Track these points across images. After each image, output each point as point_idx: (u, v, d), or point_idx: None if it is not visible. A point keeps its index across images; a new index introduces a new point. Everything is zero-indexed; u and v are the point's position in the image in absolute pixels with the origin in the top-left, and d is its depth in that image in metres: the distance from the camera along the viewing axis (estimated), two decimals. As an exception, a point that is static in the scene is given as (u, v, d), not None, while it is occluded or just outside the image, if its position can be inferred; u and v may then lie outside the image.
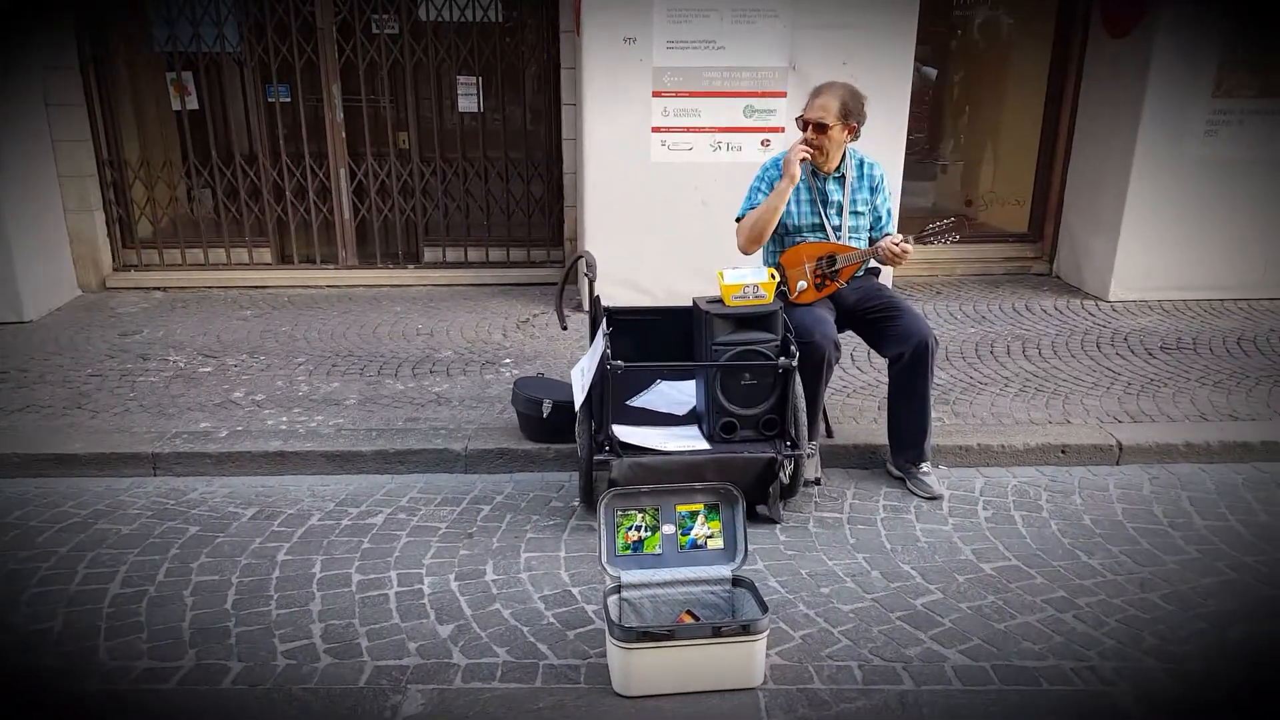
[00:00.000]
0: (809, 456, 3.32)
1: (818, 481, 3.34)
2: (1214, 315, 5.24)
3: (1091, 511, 3.18)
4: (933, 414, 3.41)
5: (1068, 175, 5.95)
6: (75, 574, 2.75)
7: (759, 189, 3.38)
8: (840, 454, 3.57)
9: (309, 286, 5.91)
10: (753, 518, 3.09)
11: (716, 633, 2.10)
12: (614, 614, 2.24)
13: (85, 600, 2.62)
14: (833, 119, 3.18)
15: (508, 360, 4.54)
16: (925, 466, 3.34)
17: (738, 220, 3.42)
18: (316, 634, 2.43)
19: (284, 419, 3.79)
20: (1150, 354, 4.59)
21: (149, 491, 3.33)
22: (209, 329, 5.00)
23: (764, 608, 2.19)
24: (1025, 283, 5.96)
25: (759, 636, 2.13)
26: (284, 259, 6.11)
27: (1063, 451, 3.59)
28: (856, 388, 4.16)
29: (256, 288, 5.87)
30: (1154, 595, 2.66)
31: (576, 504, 3.20)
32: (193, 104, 5.86)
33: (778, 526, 3.06)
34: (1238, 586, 2.72)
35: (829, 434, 3.62)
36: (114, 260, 5.96)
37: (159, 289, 5.83)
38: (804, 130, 3.23)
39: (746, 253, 3.42)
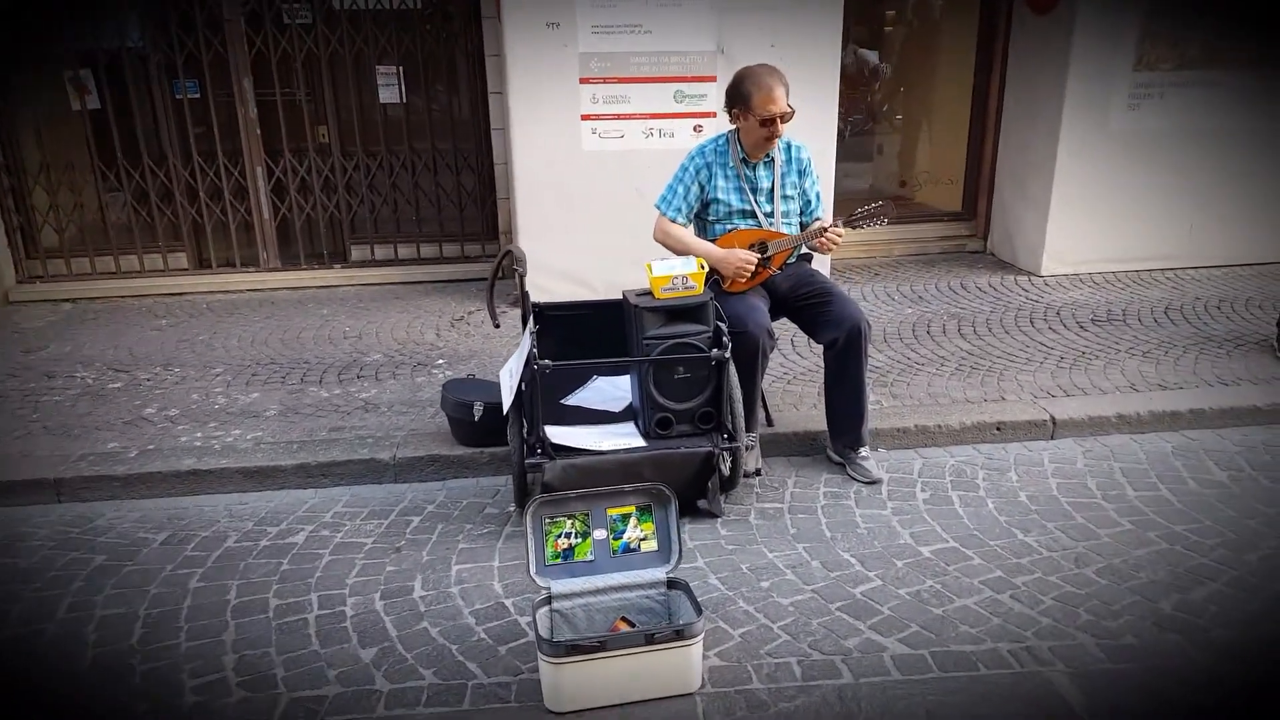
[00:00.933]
0: (749, 448, 3.27)
1: (758, 473, 3.29)
2: (1142, 286, 5.35)
3: (1027, 488, 3.19)
4: (869, 398, 3.38)
5: (998, 153, 6.01)
6: (-37, 617, 2.56)
7: (683, 181, 3.29)
8: (781, 442, 3.53)
9: (229, 292, 5.66)
10: (693, 513, 3.02)
11: (649, 640, 2.02)
12: (544, 627, 2.15)
13: (-26, 645, 2.43)
14: (788, 106, 3.11)
15: (440, 361, 4.39)
16: (864, 451, 3.31)
17: (659, 210, 3.33)
18: (229, 666, 2.28)
19: (199, 435, 3.60)
20: (1081, 327, 4.65)
21: (52, 520, 3.12)
22: (120, 342, 4.75)
23: (698, 610, 2.12)
24: (960, 261, 6.00)
25: (693, 641, 2.06)
26: (201, 263, 5.85)
27: (998, 429, 3.60)
28: (796, 374, 4.13)
29: (173, 294, 5.60)
30: (1089, 570, 2.66)
31: (512, 510, 3.10)
32: (94, 103, 5.55)
33: (719, 521, 3.00)
34: (1170, 556, 2.74)
35: (769, 422, 3.57)
36: (17, 272, 5.62)
37: (67, 300, 5.52)
38: (766, 126, 3.09)
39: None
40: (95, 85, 5.49)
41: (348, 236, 5.93)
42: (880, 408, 3.69)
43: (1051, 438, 3.60)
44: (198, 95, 5.61)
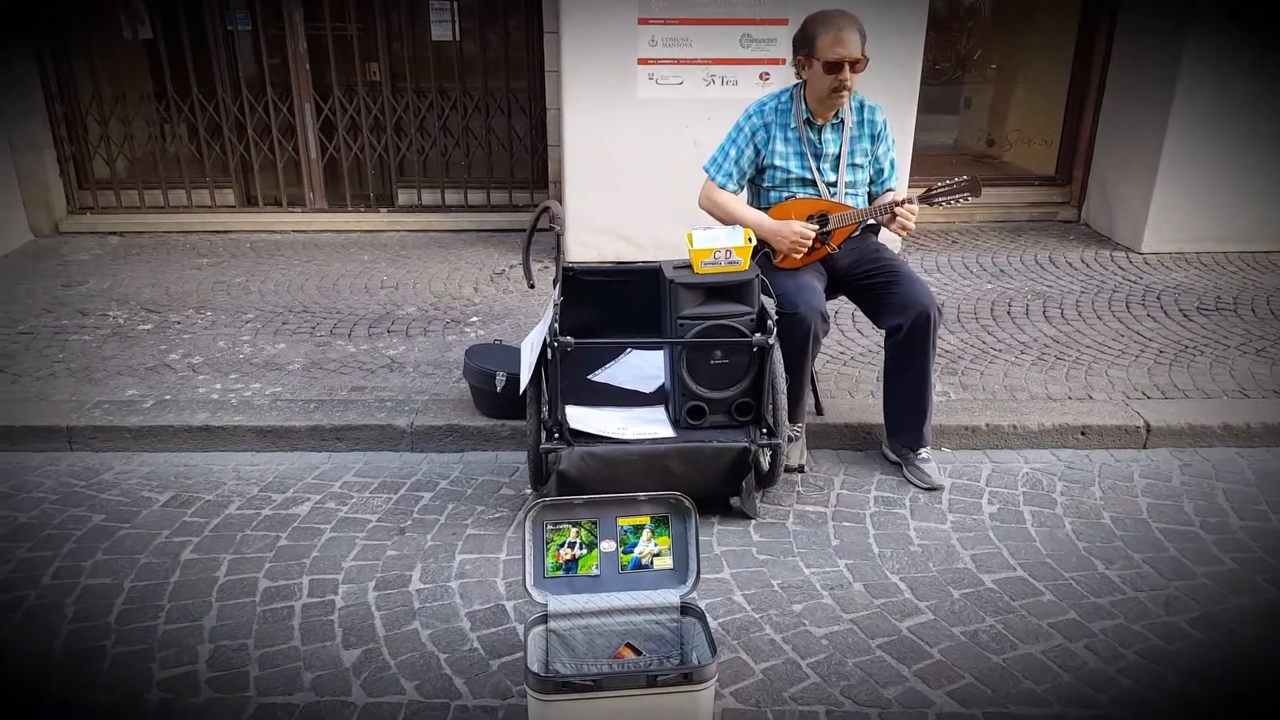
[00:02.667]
0: (793, 439, 2.95)
1: (801, 469, 2.97)
2: (1258, 270, 4.74)
3: (1112, 507, 2.80)
4: (935, 391, 3.01)
5: (1100, 113, 5.37)
6: (-53, 577, 2.45)
7: (735, 142, 2.92)
8: (831, 434, 3.19)
9: (273, 231, 5.51)
10: (724, 511, 2.73)
11: (652, 682, 1.76)
12: (537, 650, 1.90)
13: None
14: (862, 54, 2.71)
15: (475, 319, 4.16)
16: (924, 452, 2.95)
17: (707, 173, 2.97)
18: (202, 658, 2.11)
19: (218, 386, 3.45)
20: (1186, 316, 4.12)
21: (60, 470, 3.02)
22: (159, 280, 4.64)
23: (713, 648, 1.84)
24: (1050, 231, 5.45)
25: (703, 686, 1.78)
26: (249, 201, 5.71)
27: (1082, 433, 3.19)
28: (855, 355, 3.75)
29: (218, 232, 5.48)
30: (1181, 619, 2.28)
31: (528, 492, 2.86)
32: (146, 33, 5.39)
33: (752, 524, 2.70)
34: (1280, 607, 2.34)
35: (818, 411, 3.23)
36: (69, 202, 5.58)
37: (115, 234, 5.45)
38: (833, 73, 2.69)
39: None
40: (148, 14, 5.33)
41: (395, 179, 5.70)
42: (947, 400, 3.31)
43: (1144, 447, 3.17)
44: (249, 27, 5.40)
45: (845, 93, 2.74)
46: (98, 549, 2.56)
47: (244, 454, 3.13)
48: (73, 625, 2.24)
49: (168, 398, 3.35)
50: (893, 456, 3.04)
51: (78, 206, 5.60)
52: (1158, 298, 4.35)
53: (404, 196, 5.72)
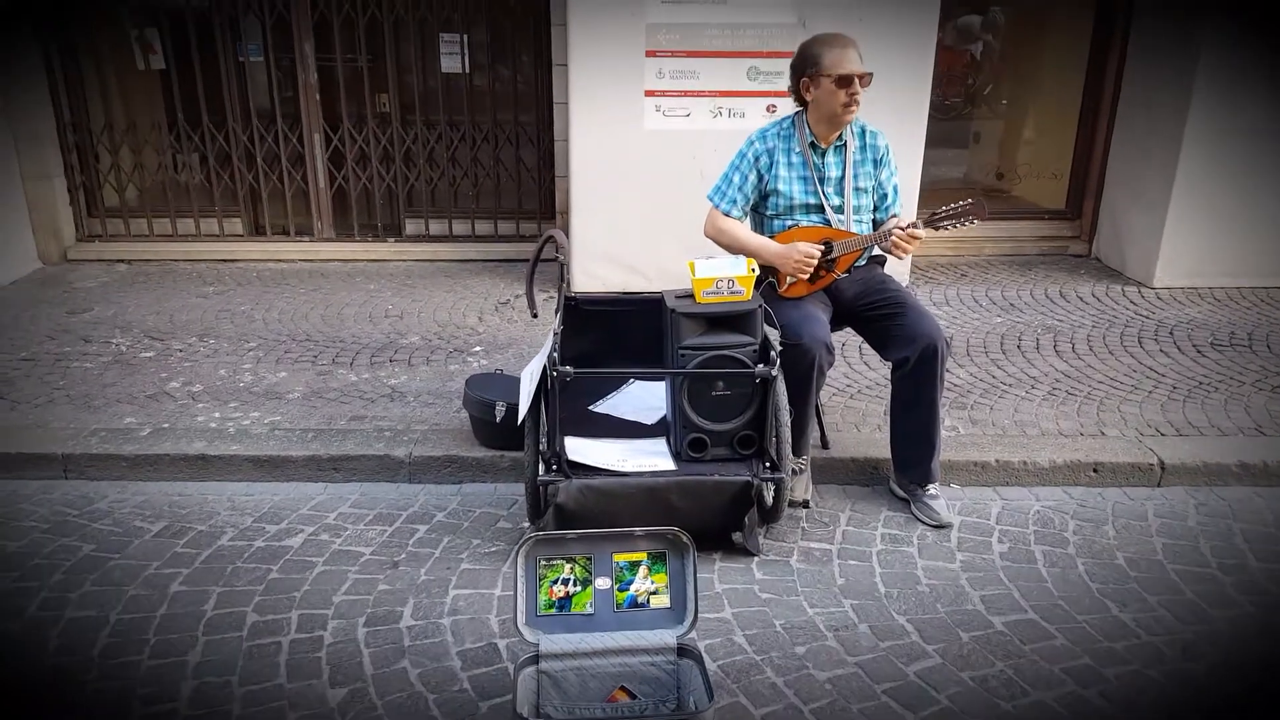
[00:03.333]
0: (797, 473, 2.88)
1: (806, 504, 2.90)
2: (1273, 305, 4.67)
3: (1126, 548, 2.71)
4: (943, 426, 2.95)
5: (1111, 146, 5.35)
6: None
7: (739, 168, 2.90)
8: (837, 468, 3.12)
9: (281, 260, 5.52)
10: (726, 548, 2.66)
11: (645, 728, 1.69)
12: (527, 693, 1.83)
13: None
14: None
15: (478, 348, 4.12)
16: (932, 489, 2.87)
17: (711, 201, 2.95)
18: (185, 696, 2.05)
19: (216, 414, 3.41)
20: (1199, 351, 4.05)
21: (54, 499, 2.98)
22: (164, 307, 4.64)
23: (710, 693, 1.77)
24: (1061, 265, 5.39)
25: (700, 732, 1.71)
26: (257, 230, 5.73)
27: (1095, 470, 3.11)
28: (861, 388, 3.69)
29: (226, 260, 5.49)
30: (1198, 667, 2.19)
31: (525, 525, 2.79)
32: (159, 63, 5.46)
33: (754, 560, 2.63)
34: (1303, 652, 2.24)
35: (824, 445, 3.17)
36: (78, 230, 5.61)
37: (123, 261, 5.47)
38: (844, 87, 2.68)
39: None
40: (160, 45, 5.40)
41: (403, 209, 5.72)
42: (956, 435, 3.24)
43: (1158, 485, 3.08)
44: (260, 58, 5.46)
45: (855, 109, 2.72)
46: (86, 580, 2.51)
47: (239, 484, 3.09)
48: (55, 659, 2.18)
49: (165, 426, 3.32)
50: (900, 493, 2.97)
51: (86, 234, 5.63)
52: (1170, 333, 4.29)
53: (411, 226, 5.73)
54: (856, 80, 2.68)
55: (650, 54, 4.50)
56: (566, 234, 4.53)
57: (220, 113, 5.44)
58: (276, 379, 3.76)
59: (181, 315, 4.53)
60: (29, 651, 2.21)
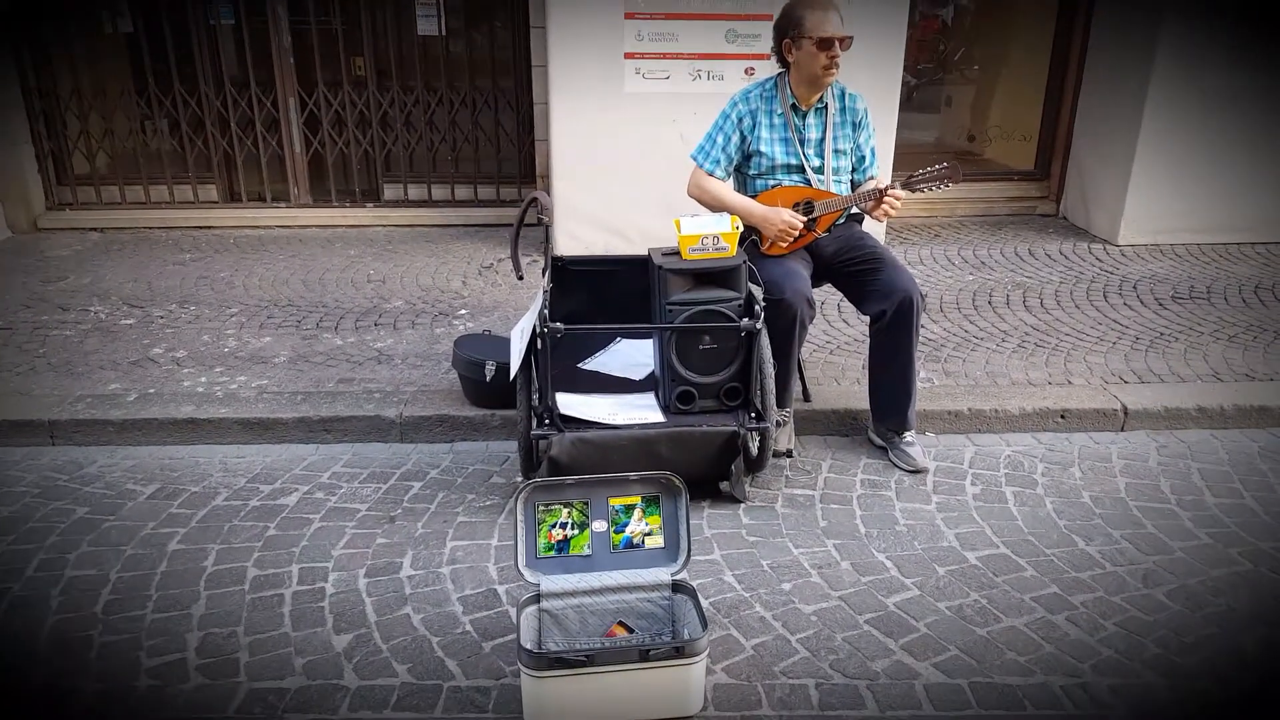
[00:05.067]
0: (780, 425, 2.98)
1: (789, 454, 3.00)
2: (1231, 261, 4.83)
3: (1091, 487, 2.85)
4: (919, 376, 3.06)
5: (1077, 109, 5.46)
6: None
7: (722, 129, 2.95)
8: (818, 420, 3.22)
9: (258, 227, 5.49)
10: (714, 496, 2.76)
11: (644, 656, 1.78)
12: (530, 630, 1.92)
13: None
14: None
15: (463, 311, 4.16)
16: (909, 436, 2.99)
17: (695, 160, 3.00)
18: (191, 646, 2.11)
19: (202, 379, 3.43)
20: (1160, 305, 4.20)
21: (42, 465, 2.99)
22: (141, 275, 4.61)
23: (704, 623, 1.87)
24: (1030, 224, 5.53)
25: (695, 660, 1.81)
26: (232, 196, 5.68)
27: (1062, 416, 3.24)
28: (840, 344, 3.79)
29: (201, 228, 5.45)
30: (1158, 591, 2.34)
31: (519, 480, 2.87)
32: (126, 26, 5.35)
33: (741, 507, 2.73)
34: (1253, 579, 2.39)
35: (806, 397, 3.26)
36: (47, 198, 5.52)
37: (96, 230, 5.41)
38: (825, 50, 2.73)
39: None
40: (128, 7, 5.29)
41: (381, 174, 5.69)
42: (930, 386, 3.36)
43: (1122, 429, 3.23)
44: (232, 21, 5.38)
45: (835, 71, 2.78)
46: (82, 541, 2.54)
47: (230, 446, 3.12)
48: (58, 616, 2.23)
49: (151, 391, 3.34)
50: (878, 441, 3.08)
51: (57, 203, 5.55)
52: (1134, 287, 4.43)
53: (390, 192, 5.71)
54: (837, 43, 2.74)
55: (629, 16, 4.49)
56: (548, 196, 4.55)
57: (192, 77, 5.36)
58: (261, 344, 3.77)
59: (160, 282, 4.51)
60: (33, 610, 2.25)
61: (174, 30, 5.26)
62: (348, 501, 2.76)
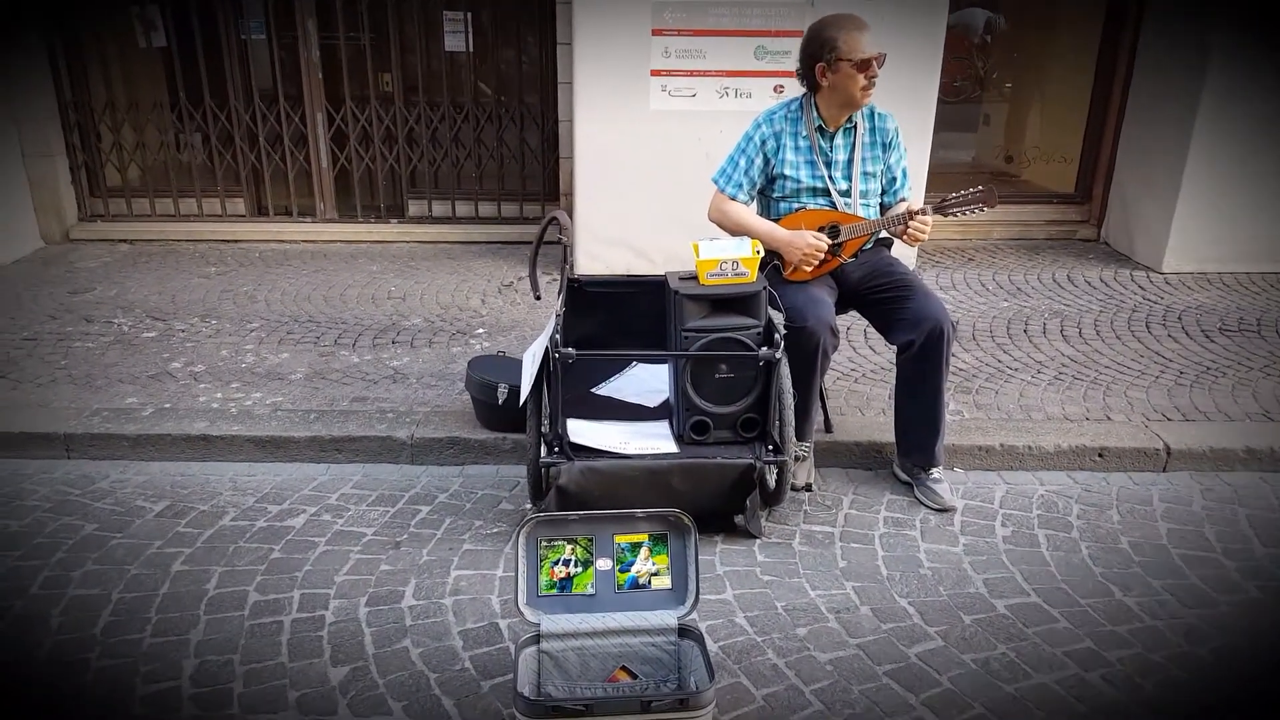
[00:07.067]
0: (800, 459, 2.87)
1: (809, 488, 2.89)
2: (1283, 291, 4.64)
3: (1130, 532, 2.70)
4: (948, 409, 2.93)
5: (1121, 130, 5.29)
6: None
7: (745, 151, 2.86)
8: (840, 452, 3.11)
9: (283, 241, 5.50)
10: (728, 530, 2.66)
11: (646, 707, 1.68)
12: (528, 672, 1.83)
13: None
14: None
15: (481, 330, 4.11)
16: (936, 472, 2.86)
17: (716, 184, 2.92)
18: (187, 673, 2.05)
19: (218, 395, 3.41)
20: (1208, 337, 4.02)
21: (56, 478, 2.98)
22: (166, 288, 4.63)
23: (711, 672, 1.77)
24: (1069, 250, 5.36)
25: (701, 712, 1.71)
26: (259, 210, 5.71)
27: (1100, 455, 3.09)
28: (865, 372, 3.67)
29: (228, 241, 5.48)
30: (1202, 650, 2.18)
31: (527, 507, 2.79)
32: (160, 40, 5.42)
33: (756, 543, 2.62)
34: (1308, 639, 2.23)
35: (828, 428, 3.15)
36: (80, 209, 5.59)
37: (125, 241, 5.46)
38: (864, 70, 2.63)
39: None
40: (161, 22, 5.36)
41: (406, 190, 5.69)
42: (960, 419, 3.22)
43: (1164, 470, 3.07)
44: (262, 36, 5.42)
45: (872, 90, 2.68)
46: (88, 559, 2.51)
47: (241, 464, 3.08)
48: (58, 637, 2.19)
49: (167, 406, 3.32)
50: (904, 476, 2.96)
51: (89, 214, 5.62)
52: (1179, 318, 4.25)
53: (415, 207, 5.71)
54: (874, 62, 2.65)
55: (656, 33, 4.45)
56: (570, 216, 4.50)
57: (222, 92, 5.41)
58: (279, 360, 3.75)
59: (184, 295, 4.52)
60: (33, 629, 2.21)
61: (206, 45, 5.31)
62: (354, 525, 2.70)
